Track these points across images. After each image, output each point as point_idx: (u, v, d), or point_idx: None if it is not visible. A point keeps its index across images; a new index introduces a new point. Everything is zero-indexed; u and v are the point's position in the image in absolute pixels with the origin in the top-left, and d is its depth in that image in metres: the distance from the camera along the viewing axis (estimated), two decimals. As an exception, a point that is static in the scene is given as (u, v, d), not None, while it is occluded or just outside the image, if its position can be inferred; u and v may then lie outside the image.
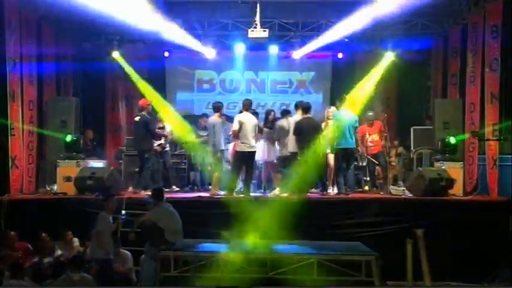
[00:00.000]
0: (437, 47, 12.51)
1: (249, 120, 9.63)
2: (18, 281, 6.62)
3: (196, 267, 7.42)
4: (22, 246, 8.06)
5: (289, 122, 9.97)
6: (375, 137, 10.54)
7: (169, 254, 7.20)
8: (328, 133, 9.89)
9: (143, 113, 9.93)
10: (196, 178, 11.13)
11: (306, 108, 9.89)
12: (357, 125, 9.99)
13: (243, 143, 9.53)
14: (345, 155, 9.75)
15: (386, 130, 10.63)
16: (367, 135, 10.54)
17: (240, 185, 10.01)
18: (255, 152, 9.72)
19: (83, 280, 6.68)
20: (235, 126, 9.61)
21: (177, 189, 10.56)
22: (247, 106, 9.82)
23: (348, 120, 9.73)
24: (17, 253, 7.76)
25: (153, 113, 10.45)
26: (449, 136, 10.16)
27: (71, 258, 7.10)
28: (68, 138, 9.92)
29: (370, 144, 10.55)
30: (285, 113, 10.38)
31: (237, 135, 9.58)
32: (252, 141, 9.58)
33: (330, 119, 10.18)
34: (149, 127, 9.86)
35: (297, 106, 10.17)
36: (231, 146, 10.45)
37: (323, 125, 10.18)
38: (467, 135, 10.41)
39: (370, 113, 10.89)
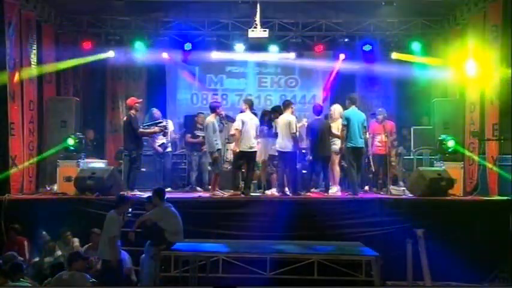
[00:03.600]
0: (437, 47, 12.49)
1: (250, 120, 9.63)
2: (18, 281, 6.64)
3: (196, 267, 7.44)
4: (24, 242, 8.16)
5: (279, 120, 9.86)
6: (384, 137, 10.36)
7: (169, 254, 7.20)
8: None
9: (131, 111, 9.76)
10: (197, 178, 11.11)
11: (317, 110, 9.84)
12: (366, 124, 9.93)
13: (243, 143, 9.53)
14: (355, 154, 9.70)
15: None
16: (371, 134, 10.41)
17: (240, 184, 10.00)
18: (255, 152, 9.71)
19: (73, 278, 6.68)
20: (237, 125, 9.60)
21: (169, 189, 10.51)
22: (248, 106, 9.81)
23: (357, 119, 9.71)
24: (22, 249, 7.83)
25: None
26: (448, 139, 10.05)
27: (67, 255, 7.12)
28: (70, 141, 9.90)
29: (378, 144, 10.41)
30: (276, 109, 10.29)
31: (239, 134, 9.58)
32: (253, 141, 9.57)
33: (332, 117, 10.16)
34: (132, 126, 9.59)
35: (284, 105, 10.02)
36: (231, 146, 10.44)
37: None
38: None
39: (381, 109, 10.72)
